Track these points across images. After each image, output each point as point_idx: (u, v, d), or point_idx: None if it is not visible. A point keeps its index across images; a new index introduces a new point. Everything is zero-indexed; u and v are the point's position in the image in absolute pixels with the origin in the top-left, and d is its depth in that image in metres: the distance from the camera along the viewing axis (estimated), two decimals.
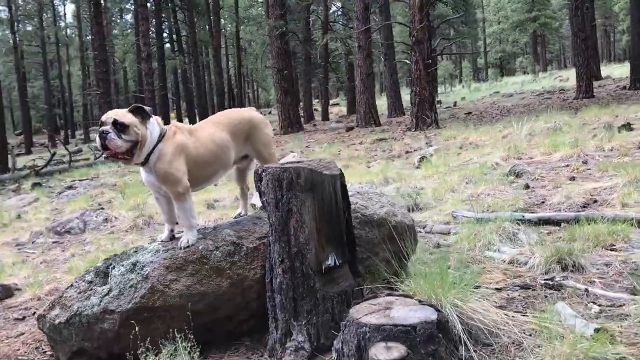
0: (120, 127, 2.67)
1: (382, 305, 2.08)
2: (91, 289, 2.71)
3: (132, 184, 10.35)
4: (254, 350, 2.61)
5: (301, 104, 28.36)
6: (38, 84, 43.36)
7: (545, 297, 2.84)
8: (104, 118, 2.71)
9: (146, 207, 7.22)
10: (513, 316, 2.37)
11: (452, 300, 2.26)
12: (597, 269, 3.24)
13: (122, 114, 2.72)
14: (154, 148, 2.78)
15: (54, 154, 16.54)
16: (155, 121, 2.84)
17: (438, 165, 8.20)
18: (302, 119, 24.35)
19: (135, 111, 2.76)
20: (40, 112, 42.42)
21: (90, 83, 35.08)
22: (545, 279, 3.21)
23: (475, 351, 2.09)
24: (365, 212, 3.02)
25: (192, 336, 2.45)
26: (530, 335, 2.16)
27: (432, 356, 1.80)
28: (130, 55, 31.78)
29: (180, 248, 2.74)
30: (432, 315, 1.93)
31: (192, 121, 28.43)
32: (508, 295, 2.96)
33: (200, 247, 2.72)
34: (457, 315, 2.19)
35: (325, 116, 28.35)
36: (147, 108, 2.81)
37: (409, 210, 5.53)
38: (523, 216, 4.68)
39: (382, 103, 26.85)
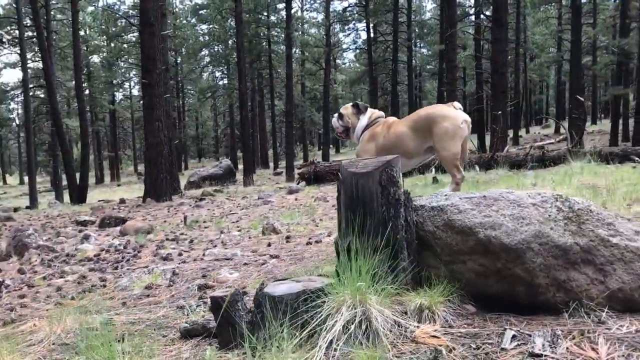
0: (339, 116, 4.19)
1: (299, 281, 2.67)
2: None
3: None
4: None
5: None
6: None
7: None
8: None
9: None
10: None
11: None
12: None
13: (345, 107, 4.30)
14: (361, 133, 4.05)
15: None
16: (368, 114, 4.07)
17: None
18: None
19: (354, 106, 4.20)
20: None
21: None
22: None
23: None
24: (452, 217, 3.02)
25: None
26: None
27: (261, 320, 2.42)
28: None
29: None
30: (293, 289, 2.46)
31: None
32: None
33: None
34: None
35: None
36: (361, 104, 4.14)
37: None
38: None
39: None
